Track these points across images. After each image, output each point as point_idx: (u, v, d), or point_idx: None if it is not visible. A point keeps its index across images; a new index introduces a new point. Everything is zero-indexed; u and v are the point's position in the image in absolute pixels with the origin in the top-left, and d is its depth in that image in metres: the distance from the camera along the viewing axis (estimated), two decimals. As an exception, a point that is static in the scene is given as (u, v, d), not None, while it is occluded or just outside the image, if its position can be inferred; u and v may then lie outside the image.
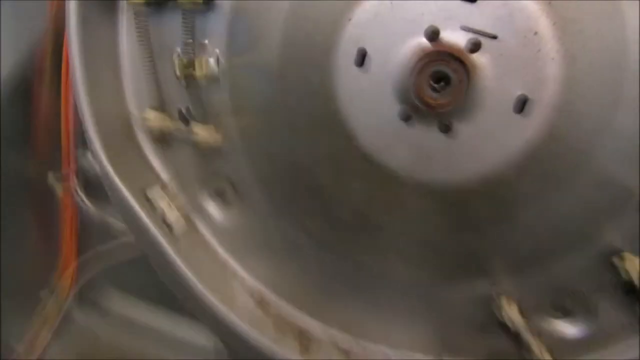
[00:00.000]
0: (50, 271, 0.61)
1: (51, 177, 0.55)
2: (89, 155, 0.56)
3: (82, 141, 0.56)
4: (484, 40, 0.41)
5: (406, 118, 0.44)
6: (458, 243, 0.50)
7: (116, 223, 0.57)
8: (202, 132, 0.51)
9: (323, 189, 0.51)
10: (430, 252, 0.51)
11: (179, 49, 0.49)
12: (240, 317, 0.53)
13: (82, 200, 0.56)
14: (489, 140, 0.44)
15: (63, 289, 0.60)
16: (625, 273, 0.45)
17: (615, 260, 0.46)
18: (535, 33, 0.40)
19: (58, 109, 0.54)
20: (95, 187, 0.57)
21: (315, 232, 0.53)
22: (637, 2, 0.40)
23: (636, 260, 0.45)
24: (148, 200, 0.53)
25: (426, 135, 0.45)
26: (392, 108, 0.44)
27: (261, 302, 0.57)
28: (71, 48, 0.47)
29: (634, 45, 0.41)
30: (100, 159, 0.50)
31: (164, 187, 0.54)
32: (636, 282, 0.45)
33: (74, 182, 0.55)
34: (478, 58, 0.41)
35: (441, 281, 0.52)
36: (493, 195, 0.46)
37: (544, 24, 0.40)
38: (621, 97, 0.42)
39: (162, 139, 0.53)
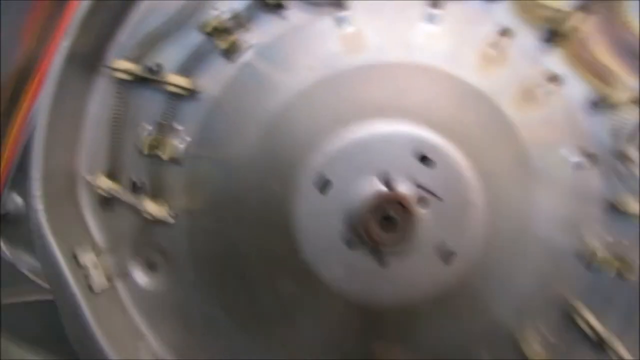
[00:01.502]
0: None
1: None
2: (17, 200, 0.54)
3: (14, 183, 0.54)
4: (430, 199, 0.48)
5: (350, 244, 0.50)
6: (365, 352, 0.56)
7: (28, 273, 0.54)
8: (150, 206, 0.52)
9: (254, 280, 0.54)
10: (338, 356, 0.56)
11: (149, 127, 0.50)
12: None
13: (2, 250, 0.53)
14: (413, 277, 0.50)
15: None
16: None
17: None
18: (472, 204, 0.48)
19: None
20: (14, 232, 0.54)
21: (235, 314, 0.56)
22: (549, 190, 0.50)
23: None
24: (75, 257, 0.52)
25: (363, 261, 0.50)
26: (340, 234, 0.50)
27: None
28: (43, 99, 0.46)
29: (540, 226, 0.51)
30: (36, 209, 0.48)
31: (94, 248, 0.53)
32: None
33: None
34: (423, 212, 0.48)
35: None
36: (405, 319, 0.53)
37: (479, 198, 0.49)
38: (523, 264, 0.52)
39: (105, 203, 0.53)
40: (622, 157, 0.48)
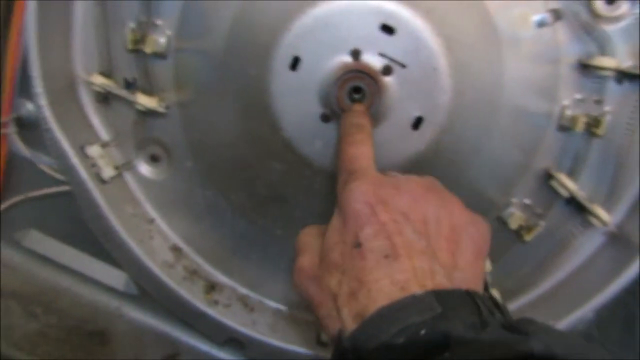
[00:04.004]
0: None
1: (-9, 123, 0.58)
2: (29, 106, 0.60)
3: (22, 90, 0.59)
4: (395, 67, 0.50)
5: (325, 119, 0.53)
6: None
7: (46, 168, 0.61)
8: (142, 99, 0.56)
9: (245, 164, 0.58)
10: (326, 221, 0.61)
11: (132, 24, 0.54)
12: (153, 258, 0.60)
13: (19, 147, 0.59)
14: (387, 146, 0.54)
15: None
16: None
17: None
18: (435, 69, 0.50)
19: (1, 60, 0.57)
20: (31, 136, 0.61)
21: (233, 199, 0.61)
22: (517, 53, 0.51)
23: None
24: (82, 148, 0.57)
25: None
26: (315, 108, 0.53)
27: (174, 250, 0.64)
28: (29, 5, 0.50)
29: (509, 89, 0.52)
30: (40, 105, 0.53)
31: (99, 141, 0.59)
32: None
33: (11, 129, 0.58)
34: (388, 80, 0.51)
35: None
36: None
37: (442, 63, 0.50)
38: (494, 129, 0.54)
39: (104, 100, 0.58)
40: (584, 11, 0.48)
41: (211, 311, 0.61)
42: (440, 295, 0.32)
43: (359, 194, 0.38)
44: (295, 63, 0.52)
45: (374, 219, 0.36)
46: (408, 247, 0.35)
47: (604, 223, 0.55)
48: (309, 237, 0.43)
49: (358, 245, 0.36)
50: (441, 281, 0.34)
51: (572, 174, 0.55)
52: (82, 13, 0.55)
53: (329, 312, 0.37)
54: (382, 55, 0.50)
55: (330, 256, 0.38)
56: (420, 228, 0.37)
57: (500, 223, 0.59)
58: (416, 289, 0.33)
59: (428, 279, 0.34)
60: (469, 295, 0.33)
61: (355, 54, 0.50)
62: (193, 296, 0.60)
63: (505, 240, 0.59)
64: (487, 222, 0.42)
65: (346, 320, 0.34)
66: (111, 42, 0.55)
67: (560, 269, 0.60)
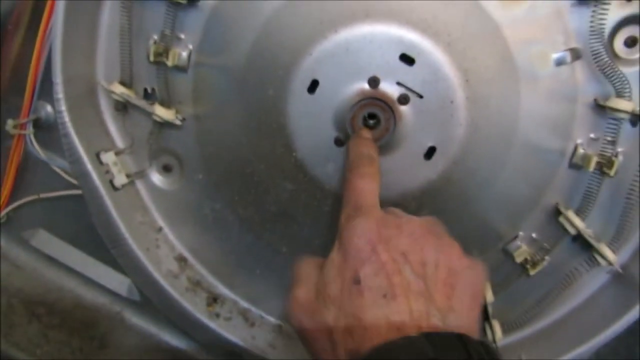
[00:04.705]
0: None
1: (10, 124, 0.58)
2: (48, 108, 0.61)
3: (41, 93, 0.60)
4: (412, 97, 0.51)
5: (338, 143, 0.54)
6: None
7: (60, 171, 0.62)
8: (159, 110, 0.57)
9: (256, 180, 0.59)
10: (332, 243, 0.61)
11: (155, 36, 0.55)
12: (158, 267, 0.61)
13: (35, 149, 0.60)
14: (399, 173, 0.54)
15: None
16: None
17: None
18: (452, 102, 0.51)
19: (25, 62, 0.58)
20: (48, 138, 0.62)
21: (242, 213, 0.61)
22: (534, 90, 0.51)
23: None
24: (97, 155, 0.58)
25: (351, 158, 0.54)
26: (329, 132, 0.53)
27: (179, 260, 0.65)
28: (57, 10, 0.51)
29: (524, 125, 0.53)
30: (60, 110, 0.54)
31: (114, 148, 0.60)
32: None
33: (29, 131, 0.59)
34: (405, 109, 0.51)
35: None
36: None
37: (460, 96, 0.51)
38: (506, 164, 0.54)
39: (122, 108, 0.59)
40: (603, 52, 0.49)
41: (212, 324, 0.61)
42: (433, 339, 0.33)
43: (363, 232, 0.39)
44: (313, 86, 0.52)
45: (374, 257, 0.37)
46: (406, 288, 0.36)
47: (609, 262, 0.55)
48: (307, 267, 0.43)
49: (357, 282, 0.36)
50: (436, 324, 0.35)
51: (581, 211, 0.55)
52: (108, 22, 0.56)
53: (322, 346, 0.37)
54: (400, 84, 0.50)
55: (328, 290, 0.38)
56: (418, 270, 0.37)
57: (506, 255, 0.59)
58: (411, 331, 0.33)
59: (423, 320, 0.35)
60: (460, 340, 0.33)
61: (374, 81, 0.51)
62: (195, 308, 0.61)
63: (509, 272, 0.59)
64: (483, 267, 0.42)
65: (340, 356, 0.35)
66: (133, 53, 0.56)
67: (563, 305, 0.60)
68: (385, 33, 0.50)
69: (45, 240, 0.67)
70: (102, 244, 0.61)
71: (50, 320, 0.67)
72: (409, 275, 0.36)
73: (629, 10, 0.49)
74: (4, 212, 0.65)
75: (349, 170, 0.46)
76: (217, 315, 0.63)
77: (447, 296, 0.37)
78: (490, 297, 0.58)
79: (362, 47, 0.50)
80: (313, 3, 0.51)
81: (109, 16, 0.55)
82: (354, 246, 0.38)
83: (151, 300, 0.62)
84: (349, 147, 0.50)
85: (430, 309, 0.35)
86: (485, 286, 0.42)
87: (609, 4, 0.48)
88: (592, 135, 0.53)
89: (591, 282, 0.59)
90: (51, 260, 0.69)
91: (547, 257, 0.58)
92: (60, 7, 0.51)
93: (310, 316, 0.39)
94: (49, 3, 0.54)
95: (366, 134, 0.50)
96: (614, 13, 0.49)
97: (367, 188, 0.44)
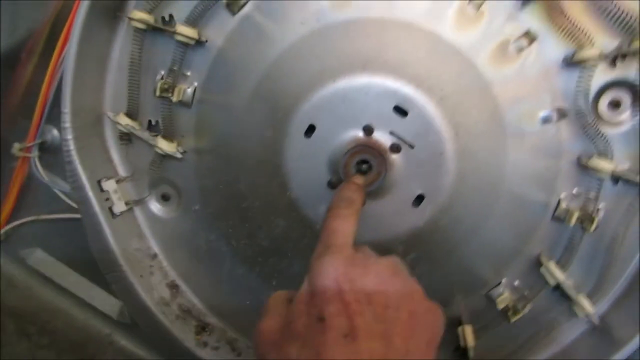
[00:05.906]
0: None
1: (16, 147, 0.61)
2: (54, 132, 0.63)
3: (49, 117, 0.62)
4: (403, 146, 0.53)
5: (331, 186, 0.56)
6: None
7: (61, 194, 0.64)
8: (161, 143, 0.59)
9: (251, 216, 0.61)
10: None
11: (163, 72, 0.57)
12: (151, 295, 0.62)
13: (39, 172, 0.62)
14: (387, 219, 0.56)
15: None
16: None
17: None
18: (441, 153, 0.53)
19: (35, 87, 0.60)
20: (52, 160, 0.64)
21: (235, 245, 0.63)
22: (521, 145, 0.54)
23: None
24: (99, 182, 0.60)
25: (343, 201, 0.56)
26: (323, 175, 0.56)
27: (171, 287, 0.66)
28: (72, 41, 0.53)
29: (510, 178, 0.55)
30: (66, 138, 0.56)
31: (116, 176, 0.62)
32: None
33: (34, 154, 0.61)
34: (396, 158, 0.54)
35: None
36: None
37: (449, 148, 0.53)
38: (492, 213, 0.56)
39: (125, 138, 0.61)
40: (588, 113, 0.51)
41: (200, 352, 0.63)
42: None
43: (329, 270, 0.40)
44: (310, 130, 0.55)
45: (338, 297, 0.39)
46: (367, 330, 0.37)
47: (587, 314, 0.57)
48: (276, 301, 0.44)
49: (322, 319, 0.38)
50: None
51: (562, 262, 0.57)
52: (118, 56, 0.58)
53: None
54: (392, 134, 0.53)
55: (294, 324, 0.39)
56: (380, 312, 0.39)
57: (489, 301, 0.60)
58: None
59: None
60: None
61: (368, 129, 0.53)
62: (184, 336, 0.62)
63: (491, 318, 0.61)
64: (442, 311, 0.43)
65: None
66: (141, 86, 0.58)
67: (542, 352, 0.61)
68: (381, 85, 0.53)
69: (42, 260, 0.68)
70: (97, 266, 0.63)
71: (39, 340, 0.68)
72: (370, 317, 0.38)
73: (614, 74, 0.52)
74: (3, 231, 0.67)
75: (328, 211, 0.48)
76: (205, 344, 0.64)
77: (406, 339, 0.39)
78: (471, 341, 0.59)
79: (359, 97, 0.53)
80: (315, 53, 0.53)
81: (119, 50, 0.58)
82: (320, 284, 0.40)
83: (141, 327, 0.63)
84: (336, 190, 0.52)
85: (389, 351, 0.37)
86: (442, 329, 0.43)
87: (595, 68, 0.51)
88: (574, 191, 0.55)
89: (570, 331, 0.60)
90: (46, 279, 0.70)
91: (528, 305, 0.59)
92: (74, 38, 0.54)
93: (274, 349, 0.40)
94: (63, 33, 0.57)
95: (358, 180, 0.52)
96: (600, 77, 0.52)
97: (340, 228, 0.45)
